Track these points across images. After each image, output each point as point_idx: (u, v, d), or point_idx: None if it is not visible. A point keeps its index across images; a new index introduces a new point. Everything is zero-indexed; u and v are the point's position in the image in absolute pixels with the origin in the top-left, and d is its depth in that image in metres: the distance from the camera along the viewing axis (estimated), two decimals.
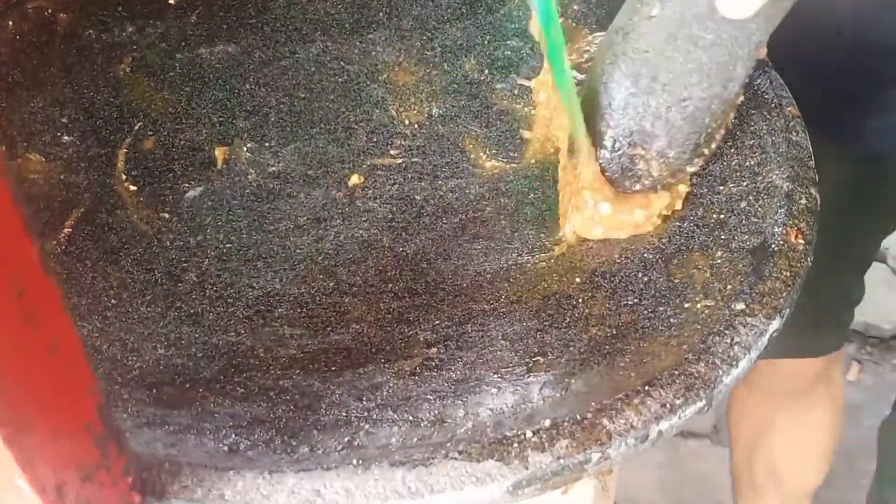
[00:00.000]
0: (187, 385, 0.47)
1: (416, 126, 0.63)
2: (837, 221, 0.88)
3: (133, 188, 0.59)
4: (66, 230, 0.56)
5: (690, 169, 0.56)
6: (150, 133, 0.63)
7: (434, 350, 0.49)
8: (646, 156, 0.54)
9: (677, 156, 0.54)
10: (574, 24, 0.69)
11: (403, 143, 0.62)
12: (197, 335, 0.50)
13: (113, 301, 0.52)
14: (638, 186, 0.55)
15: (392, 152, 0.62)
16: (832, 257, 0.91)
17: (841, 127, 0.80)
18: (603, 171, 0.55)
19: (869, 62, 0.76)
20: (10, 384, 0.30)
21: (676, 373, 0.45)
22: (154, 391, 0.47)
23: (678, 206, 0.56)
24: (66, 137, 0.62)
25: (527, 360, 0.48)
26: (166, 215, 0.57)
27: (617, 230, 0.54)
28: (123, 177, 0.60)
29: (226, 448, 0.43)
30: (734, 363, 0.46)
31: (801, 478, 1.12)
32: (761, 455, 1.11)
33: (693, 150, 0.54)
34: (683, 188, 0.56)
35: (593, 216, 0.54)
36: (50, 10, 0.70)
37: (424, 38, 0.69)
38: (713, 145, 0.56)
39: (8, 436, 0.30)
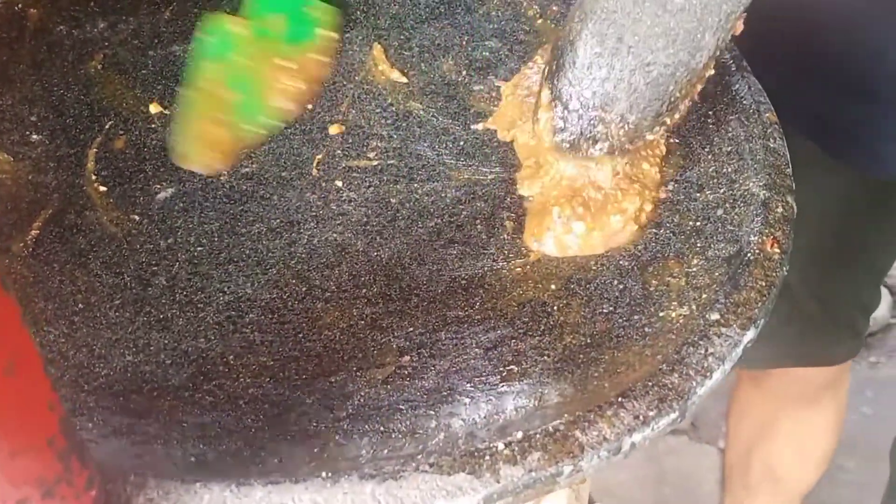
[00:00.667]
0: (155, 393, 0.46)
1: (392, 127, 0.63)
2: (852, 234, 0.88)
3: (103, 189, 0.58)
4: (33, 232, 0.55)
5: (649, 136, 0.55)
6: (122, 132, 0.62)
7: (407, 358, 0.49)
8: (605, 118, 0.53)
9: (637, 121, 0.54)
10: (553, 25, 0.68)
11: (380, 144, 0.62)
12: (166, 341, 0.49)
13: (80, 305, 0.51)
14: (596, 149, 0.55)
15: (369, 154, 0.61)
16: (848, 268, 0.91)
17: (853, 149, 0.79)
18: (562, 130, 0.55)
19: (885, 85, 0.75)
20: None
21: (650, 384, 0.44)
22: (121, 399, 0.46)
23: (648, 207, 0.56)
24: (34, 136, 0.61)
25: (500, 369, 0.48)
26: (137, 217, 0.56)
27: (594, 248, 0.54)
28: (93, 177, 0.59)
29: (193, 459, 0.42)
30: (708, 374, 0.45)
31: (797, 480, 1.12)
32: (759, 456, 1.11)
33: (654, 118, 0.54)
34: (654, 194, 0.56)
35: (566, 234, 0.54)
36: (20, 5, 0.68)
37: (402, 37, 0.69)
38: (676, 115, 0.55)
39: None
